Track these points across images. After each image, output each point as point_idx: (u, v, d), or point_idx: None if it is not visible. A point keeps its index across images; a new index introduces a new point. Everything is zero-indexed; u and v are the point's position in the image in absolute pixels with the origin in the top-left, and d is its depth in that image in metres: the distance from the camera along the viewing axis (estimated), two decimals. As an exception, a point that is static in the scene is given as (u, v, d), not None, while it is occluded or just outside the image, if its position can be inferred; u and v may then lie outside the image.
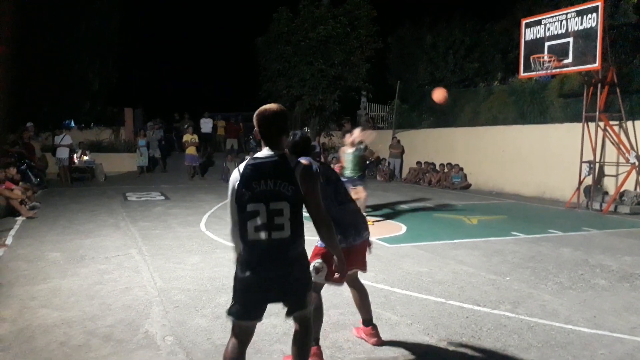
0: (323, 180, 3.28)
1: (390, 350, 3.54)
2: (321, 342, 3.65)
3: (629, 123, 10.87)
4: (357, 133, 8.26)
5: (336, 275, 2.97)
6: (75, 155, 15.79)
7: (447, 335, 3.81)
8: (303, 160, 2.72)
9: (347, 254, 3.12)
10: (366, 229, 3.54)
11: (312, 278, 2.87)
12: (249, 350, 3.51)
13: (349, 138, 8.35)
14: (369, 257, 5.96)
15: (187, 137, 16.38)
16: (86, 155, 16.33)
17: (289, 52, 18.91)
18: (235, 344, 2.60)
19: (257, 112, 2.66)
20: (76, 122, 20.66)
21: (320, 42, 18.63)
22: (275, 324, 3.98)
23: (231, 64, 32.31)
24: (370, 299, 4.57)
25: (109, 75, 20.11)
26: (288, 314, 2.66)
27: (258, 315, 2.62)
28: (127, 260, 6.00)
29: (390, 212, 10.19)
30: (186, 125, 17.95)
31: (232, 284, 4.53)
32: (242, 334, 2.63)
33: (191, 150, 16.19)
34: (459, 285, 5.09)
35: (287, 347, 3.56)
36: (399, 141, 17.91)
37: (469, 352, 3.52)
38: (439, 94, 7.56)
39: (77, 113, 19.89)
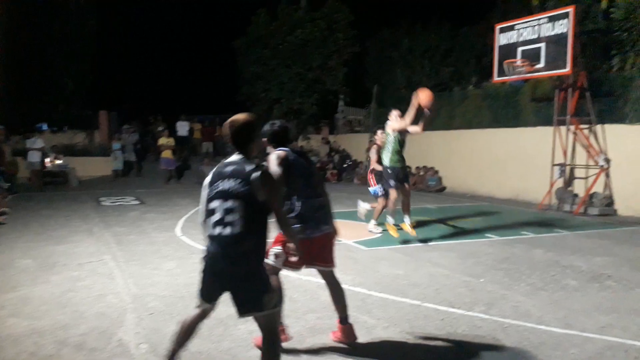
0: (296, 171, 3.48)
1: (367, 353, 3.56)
2: (298, 346, 3.65)
3: (598, 127, 11.16)
4: (394, 117, 7.87)
5: (293, 259, 3.28)
6: (47, 159, 15.45)
7: (423, 337, 3.85)
8: (274, 156, 3.21)
9: (308, 245, 3.39)
10: (327, 223, 3.64)
11: (271, 262, 3.39)
12: (225, 357, 3.50)
13: (397, 122, 7.83)
14: (346, 261, 5.97)
15: (162, 141, 16.19)
16: (59, 159, 15.99)
17: (268, 55, 18.91)
18: (195, 314, 3.04)
19: (227, 121, 2.93)
20: (49, 124, 20.24)
21: (298, 46, 18.68)
22: (252, 330, 3.95)
23: (209, 67, 32.08)
24: (347, 303, 4.60)
25: (85, 77, 19.75)
26: (240, 313, 2.85)
27: (211, 300, 2.94)
28: (101, 266, 5.90)
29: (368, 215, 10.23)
30: (160, 129, 17.74)
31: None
32: (201, 310, 3.02)
33: (167, 154, 16.01)
34: (435, 287, 5.15)
35: (264, 353, 3.55)
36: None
37: (445, 354, 3.57)
38: (424, 97, 7.27)
39: (51, 115, 19.48)
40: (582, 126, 11.18)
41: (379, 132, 8.65)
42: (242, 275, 2.74)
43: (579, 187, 11.33)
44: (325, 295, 4.83)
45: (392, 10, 23.41)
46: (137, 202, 11.65)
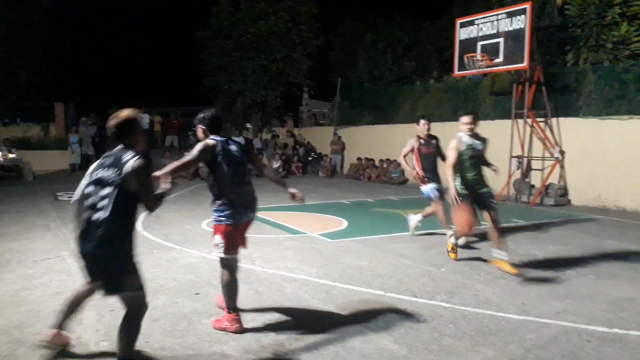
0: (226, 161, 3.81)
1: (330, 343, 3.59)
2: (262, 340, 3.65)
3: (554, 120, 11.55)
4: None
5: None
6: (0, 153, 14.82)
7: (386, 326, 3.91)
8: (199, 144, 3.78)
9: (235, 231, 3.81)
10: (253, 210, 4.00)
11: (216, 253, 3.83)
12: (189, 352, 3.46)
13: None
14: (311, 254, 6.00)
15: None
16: (12, 153, 15.36)
17: (230, 46, 18.66)
18: (84, 289, 3.38)
19: (111, 116, 3.10)
20: (0, 117, 19.38)
21: (261, 38, 18.51)
22: (216, 324, 3.93)
23: (170, 58, 31.38)
24: (312, 295, 4.63)
25: (39, 67, 18.95)
26: (105, 293, 3.03)
27: (88, 280, 3.12)
28: (59, 263, 5.71)
29: (333, 207, 10.29)
30: (93, 119, 17.25)
31: (170, 285, 4.44)
32: (89, 287, 3.30)
33: None
34: (398, 277, 5.24)
35: (228, 347, 3.53)
36: (340, 137, 18.12)
37: (407, 342, 3.63)
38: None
39: (2, 108, 18.64)
40: (538, 119, 11.55)
41: (422, 122, 6.99)
42: (104, 260, 2.92)
43: (535, 179, 11.71)
44: (290, 288, 4.85)
45: (355, 3, 23.48)
46: (96, 197, 11.31)
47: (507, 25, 11.13)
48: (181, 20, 27.41)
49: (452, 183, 5.58)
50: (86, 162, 16.98)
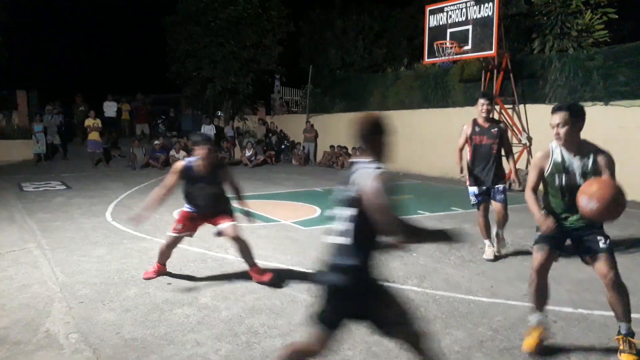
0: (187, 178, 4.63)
1: (305, 330, 3.61)
2: (236, 328, 3.64)
3: (521, 106, 11.79)
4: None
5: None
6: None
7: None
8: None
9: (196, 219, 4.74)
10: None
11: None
12: (162, 342, 3.43)
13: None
14: (284, 241, 6.01)
15: (89, 122, 15.38)
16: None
17: (199, 32, 18.29)
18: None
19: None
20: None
21: (231, 23, 18.20)
22: (189, 314, 3.91)
23: (137, 44, 30.52)
24: (286, 282, 4.64)
25: (-4, 52, 18.16)
26: None
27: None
28: (24, 255, 5.56)
29: (306, 195, 10.30)
30: (81, 108, 16.79)
31: (141, 275, 4.39)
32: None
33: (94, 136, 15.24)
34: (371, 263, 5.29)
35: (201, 336, 3.52)
36: (312, 125, 18.09)
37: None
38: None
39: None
40: (506, 106, 11.77)
41: (481, 101, 5.50)
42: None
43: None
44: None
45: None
46: (63, 187, 11.03)
47: (475, 12, 11.25)
48: (148, 4, 26.66)
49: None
50: (52, 152, 16.52)
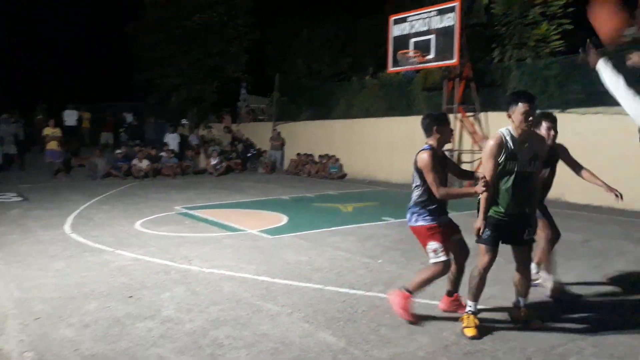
0: None
1: (270, 340, 3.58)
2: (200, 341, 3.58)
3: (482, 114, 12.09)
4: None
5: None
6: None
7: (325, 320, 3.95)
8: None
9: None
10: None
11: None
12: (123, 357, 3.33)
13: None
14: (251, 251, 5.94)
15: (47, 131, 14.90)
16: None
17: (163, 40, 18.07)
18: None
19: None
20: None
21: (196, 31, 18.06)
22: (151, 328, 3.81)
23: (99, 51, 29.86)
24: (252, 292, 4.60)
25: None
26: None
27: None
28: (-21, 271, 5.32)
29: (273, 203, 10.25)
30: (39, 117, 16.28)
31: (102, 288, 4.28)
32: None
33: (52, 145, 14.76)
34: (336, 270, 5.30)
35: (164, 350, 3.44)
36: (279, 133, 18.07)
37: (346, 334, 3.69)
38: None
39: None
40: (468, 114, 12.05)
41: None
42: None
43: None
44: (229, 286, 4.78)
45: (291, -1, 23.39)
46: (19, 199, 10.63)
47: (437, 22, 11.52)
48: (111, 11, 26.12)
49: None
50: (9, 162, 15.92)
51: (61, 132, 15.38)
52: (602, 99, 10.04)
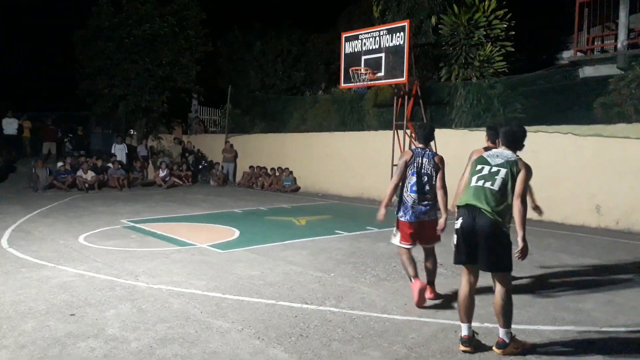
0: None
1: (220, 359, 3.51)
2: (148, 359, 3.46)
3: (431, 131, 12.44)
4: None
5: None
6: None
7: (277, 336, 3.92)
8: None
9: None
10: None
11: None
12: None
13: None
14: (201, 266, 5.83)
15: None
16: None
17: (111, 48, 17.58)
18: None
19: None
20: None
21: (146, 41, 17.70)
22: (94, 347, 3.65)
23: (42, 58, 28.62)
24: (201, 309, 4.50)
25: None
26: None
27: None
28: None
29: (224, 217, 10.10)
30: None
31: (41, 307, 4.11)
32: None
33: None
34: (289, 285, 5.28)
35: (108, 370, 3.30)
36: (232, 145, 17.88)
37: (298, 350, 3.67)
38: None
39: None
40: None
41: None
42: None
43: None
44: (178, 303, 4.66)
45: (243, 12, 23.37)
46: (-51, 212, 9.98)
47: (388, 41, 11.81)
48: (55, 17, 25.17)
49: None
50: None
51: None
52: (542, 118, 10.63)
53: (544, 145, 10.06)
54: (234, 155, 17.81)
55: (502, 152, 3.82)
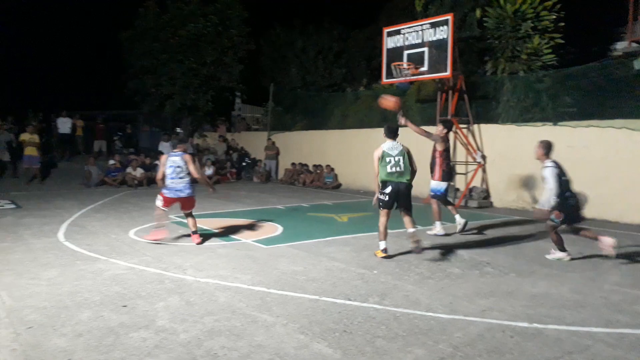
0: None
1: (265, 352, 3.56)
2: (195, 351, 3.55)
3: (475, 126, 12.18)
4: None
5: None
6: None
7: (320, 331, 3.94)
8: None
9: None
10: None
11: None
12: (117, 368, 3.30)
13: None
14: (245, 260, 5.93)
15: (24, 137, 14.71)
16: None
17: (157, 48, 18.11)
18: None
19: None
20: None
21: (190, 40, 18.13)
22: (145, 338, 3.78)
23: (92, 59, 29.83)
24: (247, 303, 4.58)
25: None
26: None
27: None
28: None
29: (267, 213, 10.23)
30: (33, 124, 16.18)
31: (95, 298, 4.26)
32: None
33: (30, 151, 14.57)
34: (332, 281, 5.30)
35: (159, 360, 3.41)
36: (274, 143, 18.08)
37: (341, 346, 3.68)
38: (387, 103, 7.74)
39: None
40: (461, 126, 12.13)
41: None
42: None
43: (459, 182, 12.28)
44: (224, 296, 4.77)
45: (285, 9, 23.58)
46: (12, 206, 10.55)
47: (430, 35, 11.62)
48: (104, 19, 26.15)
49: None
50: (1, 169, 15.79)
51: (39, 138, 15.19)
52: (594, 112, 10.21)
53: (596, 141, 9.66)
54: (276, 153, 17.99)
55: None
